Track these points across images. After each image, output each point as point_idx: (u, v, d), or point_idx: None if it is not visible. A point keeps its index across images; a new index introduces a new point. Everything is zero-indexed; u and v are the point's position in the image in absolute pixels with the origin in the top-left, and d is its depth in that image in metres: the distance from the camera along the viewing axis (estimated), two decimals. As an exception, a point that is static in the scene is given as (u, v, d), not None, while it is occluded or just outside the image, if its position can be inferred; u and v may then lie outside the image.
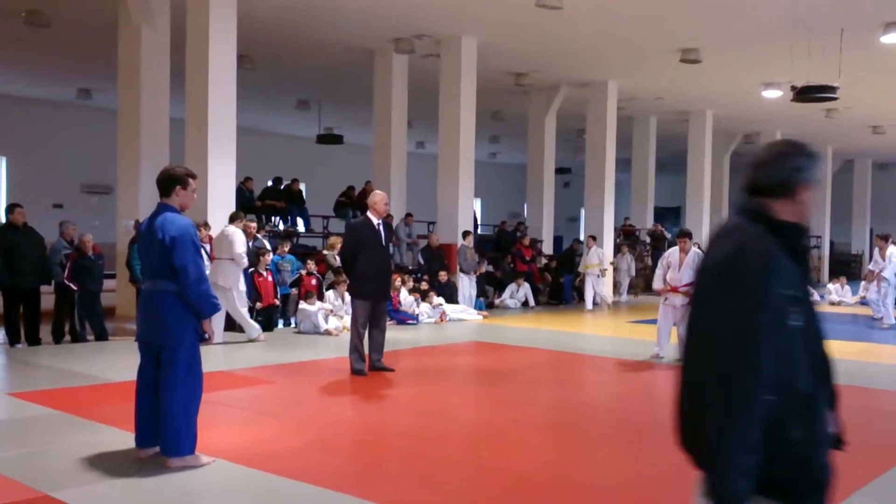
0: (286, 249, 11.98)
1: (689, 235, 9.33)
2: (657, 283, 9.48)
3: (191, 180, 4.75)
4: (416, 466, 4.87)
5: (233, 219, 10.12)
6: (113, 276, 11.60)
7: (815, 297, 10.07)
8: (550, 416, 6.51)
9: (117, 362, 8.00)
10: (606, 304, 16.46)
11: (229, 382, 7.36)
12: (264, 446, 5.19)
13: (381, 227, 7.73)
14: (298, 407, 6.59)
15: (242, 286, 9.87)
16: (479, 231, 24.88)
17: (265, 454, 4.97)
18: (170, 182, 4.69)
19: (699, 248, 20.43)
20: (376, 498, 4.21)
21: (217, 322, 9.39)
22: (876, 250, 13.76)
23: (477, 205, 32.29)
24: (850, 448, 2.29)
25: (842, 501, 4.29)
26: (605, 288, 16.66)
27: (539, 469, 4.86)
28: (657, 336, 9.31)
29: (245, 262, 9.86)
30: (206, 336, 4.70)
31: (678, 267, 9.07)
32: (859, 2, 11.93)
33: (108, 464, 4.63)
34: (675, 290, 9.04)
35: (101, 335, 9.64)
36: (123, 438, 5.00)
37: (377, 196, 7.81)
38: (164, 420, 4.53)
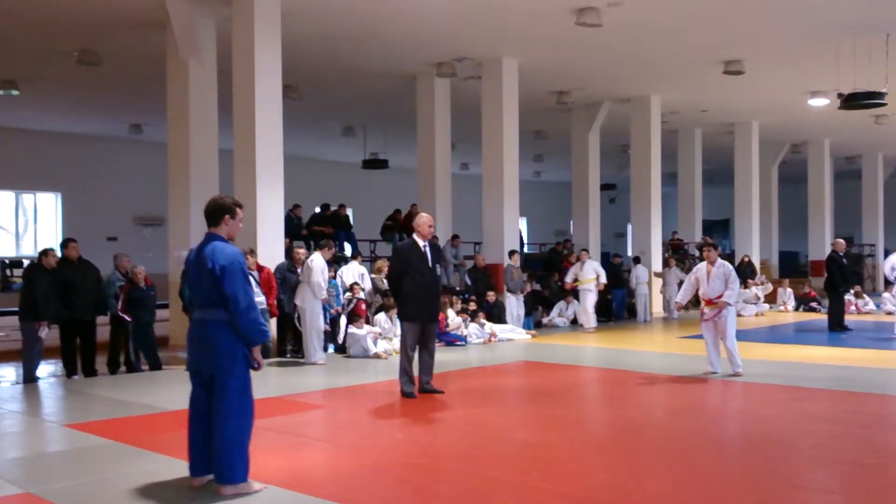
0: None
1: (714, 246, 9.31)
2: (679, 297, 9.52)
3: (238, 210, 4.82)
4: (467, 489, 4.84)
5: (321, 247, 10.70)
6: (166, 307, 11.82)
7: (871, 305, 9.89)
8: (602, 436, 6.43)
9: (171, 391, 8.13)
10: (589, 326, 14.65)
11: (279, 409, 7.42)
12: (314, 471, 5.21)
13: (428, 249, 7.76)
14: (348, 431, 6.61)
15: (319, 310, 10.17)
16: (525, 250, 24.88)
17: (315, 479, 4.99)
18: (218, 211, 4.74)
19: (747, 259, 20.21)
20: (428, 522, 4.20)
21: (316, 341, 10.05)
22: None
23: (523, 224, 32.36)
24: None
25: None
26: (589, 305, 14.76)
27: (594, 490, 4.79)
28: (707, 353, 9.17)
29: (321, 290, 10.16)
30: (256, 364, 4.73)
31: (706, 280, 8.98)
32: (905, 5, 11.70)
33: (163, 492, 4.70)
34: (709, 303, 8.94)
35: (156, 365, 9.82)
36: (178, 467, 5.07)
37: (422, 218, 7.86)
38: (218, 448, 4.56)
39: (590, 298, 14.73)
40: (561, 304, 16.10)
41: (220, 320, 4.61)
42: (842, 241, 15.70)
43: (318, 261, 10.17)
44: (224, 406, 4.59)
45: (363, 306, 11.33)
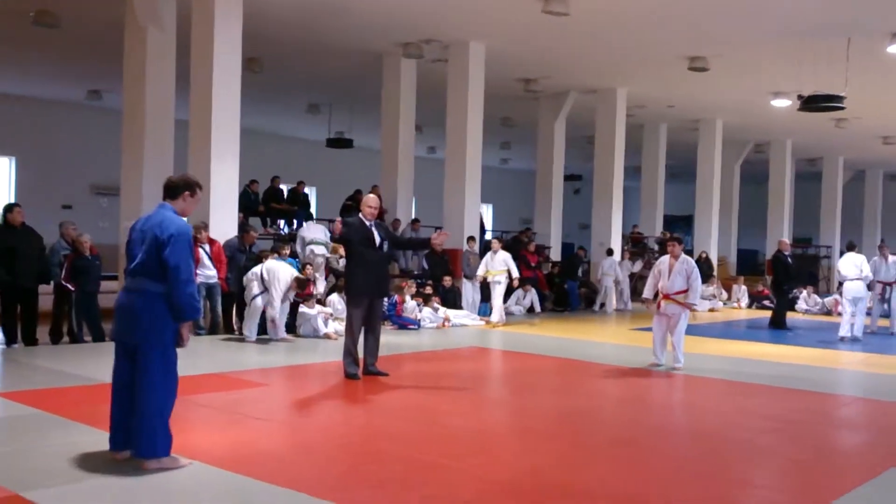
0: (286, 252, 11.95)
1: (678, 240, 9.17)
2: (645, 293, 9.33)
3: (198, 190, 4.87)
4: (397, 471, 4.83)
5: (277, 251, 10.57)
6: (115, 278, 11.62)
7: (821, 306, 9.97)
8: (543, 422, 6.44)
9: (108, 363, 7.97)
10: (500, 319, 13.64)
11: (219, 385, 7.35)
12: (245, 449, 5.15)
13: (374, 227, 7.72)
14: (286, 410, 6.57)
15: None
16: (488, 237, 24.88)
17: (245, 457, 4.94)
18: (184, 186, 4.77)
19: (705, 256, 20.46)
20: (352, 502, 4.17)
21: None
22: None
23: (488, 210, 32.36)
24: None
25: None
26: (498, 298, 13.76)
27: (523, 475, 4.80)
28: (653, 345, 9.22)
29: (280, 313, 10.09)
30: (183, 341, 4.67)
31: (668, 274, 8.92)
32: (866, 11, 11.82)
33: (86, 464, 4.61)
34: (667, 297, 8.90)
35: (99, 336, 9.64)
36: (105, 440, 4.98)
37: (366, 199, 7.88)
38: (139, 421, 4.50)
39: (498, 290, 13.72)
40: (518, 292, 16.12)
41: (155, 292, 4.55)
42: (786, 240, 16.02)
43: (283, 273, 9.94)
44: (147, 379, 4.53)
45: (311, 289, 11.21)
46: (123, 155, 12.34)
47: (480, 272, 13.88)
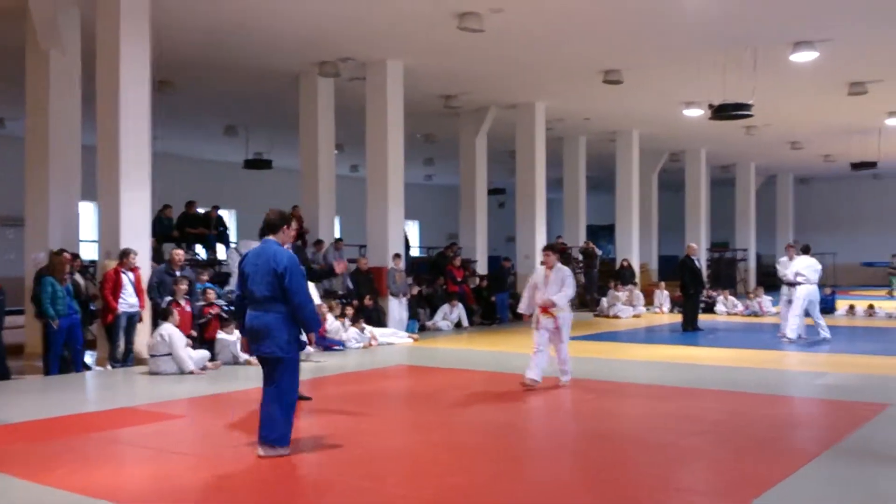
0: (205, 278, 11.65)
1: (552, 249, 8.67)
2: (521, 307, 8.74)
3: (293, 221, 5.91)
4: (314, 497, 4.68)
5: (166, 316, 9.78)
6: (21, 312, 11.09)
7: (739, 307, 10.31)
8: (469, 438, 6.38)
9: (15, 402, 7.60)
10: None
11: (135, 419, 7.07)
12: (161, 485, 4.93)
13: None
14: (205, 442, 6.34)
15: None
16: (415, 253, 24.82)
17: (161, 494, 4.73)
18: (281, 221, 5.71)
19: (626, 263, 20.80)
20: (269, 535, 4.02)
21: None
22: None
23: (414, 227, 32.33)
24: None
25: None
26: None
27: (445, 493, 4.72)
28: (531, 361, 8.33)
29: (187, 364, 9.51)
30: (310, 345, 5.92)
31: (544, 286, 8.34)
32: (768, 21, 12.27)
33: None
34: (544, 310, 8.31)
35: (3, 374, 9.14)
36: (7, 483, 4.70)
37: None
38: (274, 414, 5.49)
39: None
40: (445, 308, 16.10)
41: (283, 313, 5.47)
42: (694, 245, 16.49)
43: (175, 336, 9.56)
44: (284, 381, 5.54)
45: (213, 311, 10.89)
46: (27, 184, 11.83)
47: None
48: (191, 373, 9.43)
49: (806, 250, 13.33)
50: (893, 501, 4.58)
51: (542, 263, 8.60)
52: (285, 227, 5.69)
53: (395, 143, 14.78)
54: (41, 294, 9.44)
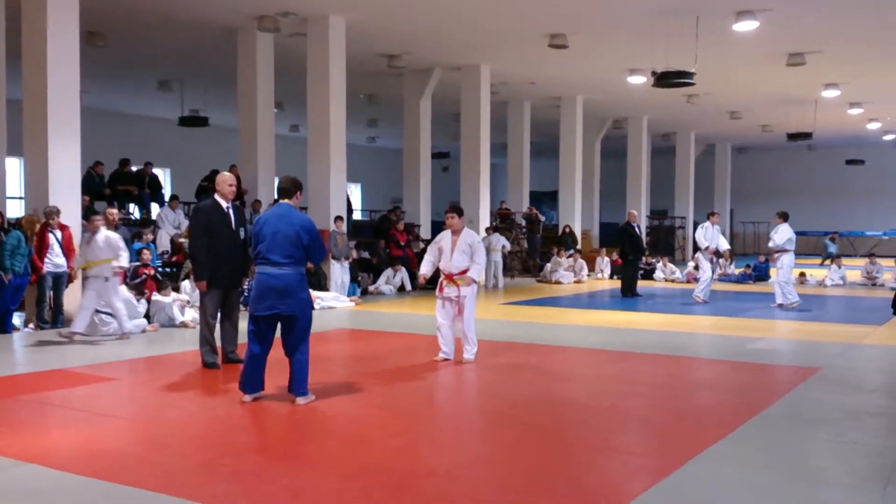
0: (150, 238, 11.34)
1: (456, 211, 7.74)
2: (422, 269, 8.00)
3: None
4: (256, 463, 4.58)
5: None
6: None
7: (678, 274, 10.39)
8: (410, 402, 6.34)
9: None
10: None
11: (65, 381, 6.82)
12: (91, 448, 4.76)
13: (231, 211, 7.31)
14: (138, 405, 6.17)
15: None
16: (358, 216, 24.57)
17: (90, 457, 4.56)
18: (295, 187, 6.09)
19: (568, 230, 21.02)
20: (203, 498, 3.91)
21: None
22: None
23: (357, 190, 31.97)
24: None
25: (677, 469, 4.32)
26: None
27: (387, 457, 4.67)
28: (438, 336, 7.92)
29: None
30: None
31: (450, 252, 7.66)
32: (713, -11, 12.32)
33: None
34: (449, 278, 7.69)
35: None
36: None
37: (223, 177, 7.32)
38: (299, 368, 5.95)
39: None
40: (388, 272, 15.99)
41: (301, 273, 5.92)
42: (634, 212, 16.69)
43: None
44: (304, 336, 6.02)
45: (150, 272, 10.60)
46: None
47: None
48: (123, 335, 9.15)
49: (786, 217, 13.39)
50: (821, 462, 4.70)
51: (447, 227, 7.76)
52: (298, 192, 6.07)
53: (337, 102, 14.47)
54: (2, 247, 9.19)
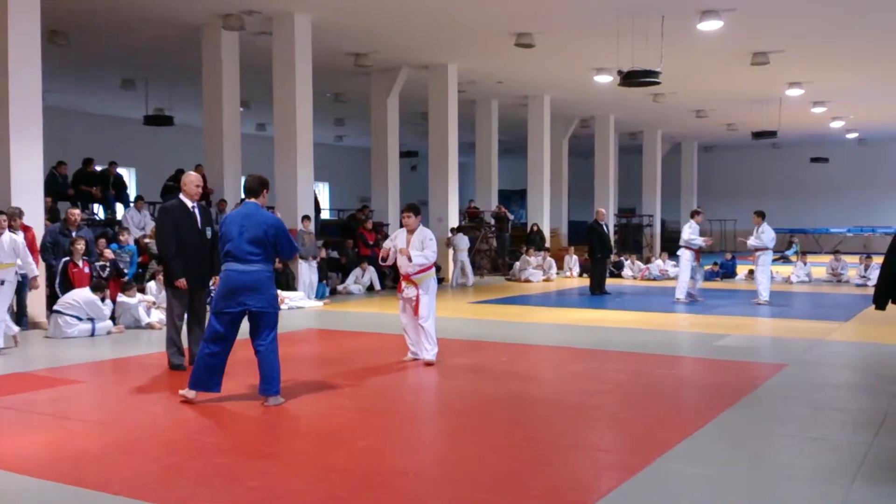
0: (129, 240, 11.21)
1: (412, 209, 7.72)
2: (382, 255, 7.91)
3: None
4: (223, 465, 4.53)
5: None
6: None
7: (649, 272, 10.37)
8: (379, 402, 6.32)
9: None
10: None
11: (29, 384, 6.71)
12: (55, 453, 4.69)
13: (197, 210, 7.23)
14: (103, 408, 6.07)
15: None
16: (326, 215, 24.44)
17: (54, 461, 4.49)
18: (262, 186, 6.09)
19: (536, 228, 21.10)
20: (170, 501, 3.87)
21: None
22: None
23: (325, 189, 31.80)
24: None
25: (646, 466, 4.35)
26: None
27: (356, 456, 4.65)
28: (405, 337, 7.98)
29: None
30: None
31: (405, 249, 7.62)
32: (677, -11, 12.43)
33: None
34: (406, 278, 7.67)
35: None
36: None
37: (189, 177, 7.25)
38: (270, 368, 5.90)
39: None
40: (357, 271, 15.93)
41: (269, 270, 5.94)
42: (603, 210, 16.82)
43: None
44: (272, 335, 6.00)
45: (86, 270, 10.41)
46: None
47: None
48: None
49: (764, 216, 13.78)
50: (787, 458, 4.76)
51: (403, 226, 7.80)
52: (265, 190, 6.08)
53: (304, 101, 14.37)
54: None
